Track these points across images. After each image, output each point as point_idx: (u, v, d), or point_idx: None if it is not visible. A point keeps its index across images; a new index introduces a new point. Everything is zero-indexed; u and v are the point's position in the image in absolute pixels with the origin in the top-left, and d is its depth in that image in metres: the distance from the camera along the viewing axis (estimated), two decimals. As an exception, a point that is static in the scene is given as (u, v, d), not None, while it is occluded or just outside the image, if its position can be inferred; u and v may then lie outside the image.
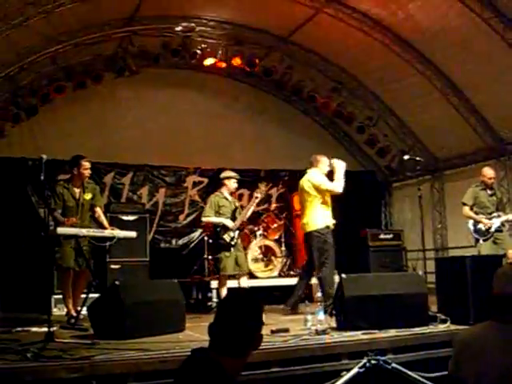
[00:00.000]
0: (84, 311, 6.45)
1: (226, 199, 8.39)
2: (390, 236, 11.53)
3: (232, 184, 8.43)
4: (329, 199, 7.78)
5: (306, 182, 7.87)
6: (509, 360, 2.73)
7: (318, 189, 7.70)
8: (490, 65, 9.99)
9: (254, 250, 9.87)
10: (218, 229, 8.18)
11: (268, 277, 9.85)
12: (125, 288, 5.67)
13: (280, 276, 10.12)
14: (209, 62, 11.25)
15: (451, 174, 12.82)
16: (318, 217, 7.66)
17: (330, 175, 7.85)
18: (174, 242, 11.93)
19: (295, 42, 11.73)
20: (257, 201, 8.50)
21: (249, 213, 8.51)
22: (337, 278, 6.94)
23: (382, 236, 11.55)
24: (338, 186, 7.66)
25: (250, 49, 11.54)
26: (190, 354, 2.47)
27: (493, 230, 8.45)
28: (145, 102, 11.87)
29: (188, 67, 12.13)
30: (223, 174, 8.62)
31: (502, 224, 8.57)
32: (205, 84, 12.63)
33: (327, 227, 7.64)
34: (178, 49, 10.94)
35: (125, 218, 9.60)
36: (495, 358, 2.78)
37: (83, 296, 6.95)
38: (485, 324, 2.94)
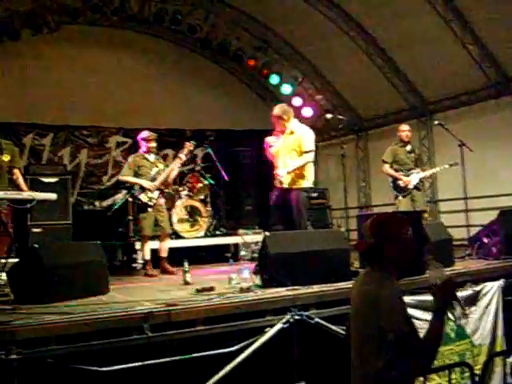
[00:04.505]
0: (4, 276, 6.25)
1: (147, 159, 8.16)
2: (315, 194, 11.66)
3: (148, 144, 8.15)
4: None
5: None
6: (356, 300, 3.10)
7: None
8: (414, 26, 10.14)
9: (180, 211, 9.81)
10: (136, 190, 7.94)
11: (194, 237, 9.83)
12: (45, 251, 5.51)
13: (206, 236, 10.11)
14: None
15: (375, 134, 13.07)
16: None
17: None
18: (97, 203, 11.71)
19: (220, -1, 11.57)
20: (181, 161, 8.29)
21: (173, 173, 8.26)
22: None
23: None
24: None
25: (173, 5, 11.29)
26: None
27: (411, 186, 8.73)
28: (66, 61, 11.47)
29: (110, 24, 11.79)
30: (140, 135, 8.35)
31: (421, 180, 8.90)
32: (129, 42, 12.31)
33: None
34: (98, 4, 10.57)
35: (45, 180, 9.30)
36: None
37: (3, 261, 6.72)
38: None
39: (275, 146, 7.26)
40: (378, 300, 2.85)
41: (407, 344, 2.81)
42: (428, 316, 4.72)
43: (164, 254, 7.99)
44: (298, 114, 13.00)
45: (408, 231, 3.06)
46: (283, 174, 6.98)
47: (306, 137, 7.17)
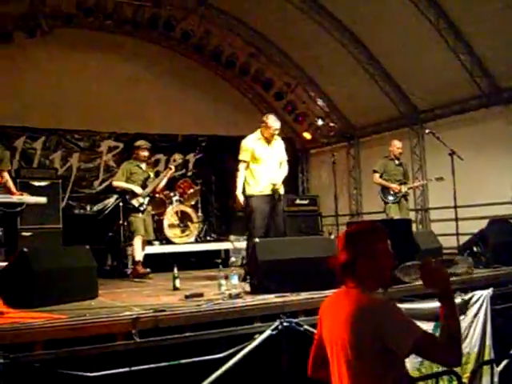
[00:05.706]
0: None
1: (139, 167, 8.42)
2: (306, 201, 11.66)
3: (141, 152, 8.42)
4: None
5: None
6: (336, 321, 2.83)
7: None
8: (406, 35, 10.18)
9: (171, 216, 9.81)
10: (128, 195, 8.17)
11: (184, 242, 9.83)
12: (34, 255, 5.48)
13: (197, 241, 10.12)
14: None
15: (366, 141, 13.10)
16: None
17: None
18: (88, 208, 11.70)
19: (214, 6, 11.57)
20: (171, 172, 8.58)
21: (162, 183, 8.55)
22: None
23: (297, 201, 11.65)
24: None
25: (167, 10, 11.30)
26: None
27: (400, 194, 9.24)
28: (59, 64, 11.44)
29: (104, 29, 11.79)
30: (135, 143, 8.63)
31: (410, 188, 9.56)
32: (122, 47, 12.31)
33: None
34: (92, 8, 10.59)
35: (36, 183, 9.27)
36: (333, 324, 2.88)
37: (-8, 264, 6.68)
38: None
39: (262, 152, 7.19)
40: (377, 320, 2.56)
41: (428, 350, 2.57)
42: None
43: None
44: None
45: (385, 242, 2.76)
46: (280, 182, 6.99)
47: (283, 145, 7.32)
